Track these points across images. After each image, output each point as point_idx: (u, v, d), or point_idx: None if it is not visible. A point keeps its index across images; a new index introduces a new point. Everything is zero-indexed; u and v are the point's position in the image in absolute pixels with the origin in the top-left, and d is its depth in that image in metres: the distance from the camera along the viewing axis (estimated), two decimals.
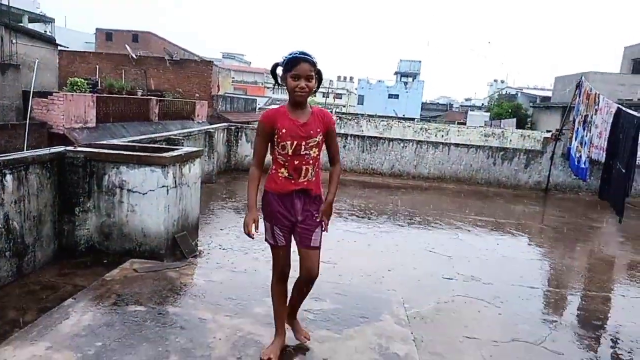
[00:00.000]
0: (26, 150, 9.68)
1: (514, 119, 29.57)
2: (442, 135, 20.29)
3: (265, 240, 2.75)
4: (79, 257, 4.61)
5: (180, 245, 4.98)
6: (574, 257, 6.67)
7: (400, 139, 13.05)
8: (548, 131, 18.37)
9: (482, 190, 11.61)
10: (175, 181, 4.87)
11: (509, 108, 34.23)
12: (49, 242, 4.51)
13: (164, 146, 6.39)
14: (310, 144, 2.55)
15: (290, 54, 2.48)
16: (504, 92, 47.64)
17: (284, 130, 2.52)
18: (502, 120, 30.51)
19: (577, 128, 11.20)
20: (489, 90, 64.02)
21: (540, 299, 4.84)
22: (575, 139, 11.27)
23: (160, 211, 4.69)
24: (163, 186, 4.66)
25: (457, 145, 12.72)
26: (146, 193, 4.66)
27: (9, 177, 3.93)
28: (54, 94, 12.42)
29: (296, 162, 2.55)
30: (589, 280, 5.56)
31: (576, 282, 5.53)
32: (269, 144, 2.62)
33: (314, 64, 2.47)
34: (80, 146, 5.15)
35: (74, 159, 4.58)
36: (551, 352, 3.58)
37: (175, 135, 8.58)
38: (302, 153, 2.54)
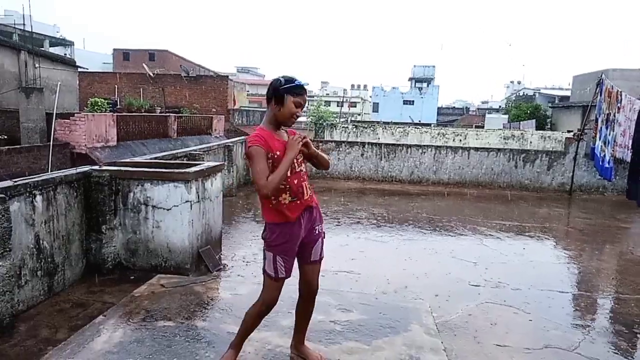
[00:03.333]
0: (50, 171, 9.93)
1: (533, 121, 29.12)
2: (460, 140, 20.13)
3: (264, 270, 2.58)
4: (106, 274, 4.69)
5: (204, 259, 5.02)
6: (603, 260, 6.51)
7: (418, 145, 12.98)
8: (569, 131, 18.06)
9: (504, 194, 11.45)
10: (198, 196, 4.93)
11: (527, 109, 33.74)
12: (78, 260, 4.59)
13: (185, 162, 6.49)
14: (299, 159, 2.56)
15: (297, 81, 2.46)
16: (521, 94, 47.05)
17: (278, 153, 2.43)
18: (521, 122, 30.08)
19: (601, 127, 10.99)
20: (505, 92, 63.34)
21: (571, 304, 4.73)
22: (599, 138, 11.05)
23: (184, 226, 4.75)
24: (187, 201, 4.72)
25: (476, 149, 12.59)
26: (170, 209, 4.73)
27: (38, 198, 4.03)
28: (75, 114, 12.72)
29: (296, 182, 2.50)
30: (621, 283, 5.41)
31: (607, 285, 5.38)
32: None
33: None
34: (105, 165, 5.26)
35: (100, 178, 4.68)
36: (586, 358, 3.48)
37: (195, 150, 8.70)
38: (297, 170, 2.52)
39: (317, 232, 2.64)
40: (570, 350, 3.58)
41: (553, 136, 20.23)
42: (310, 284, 2.69)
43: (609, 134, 10.57)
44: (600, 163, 10.96)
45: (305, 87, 2.52)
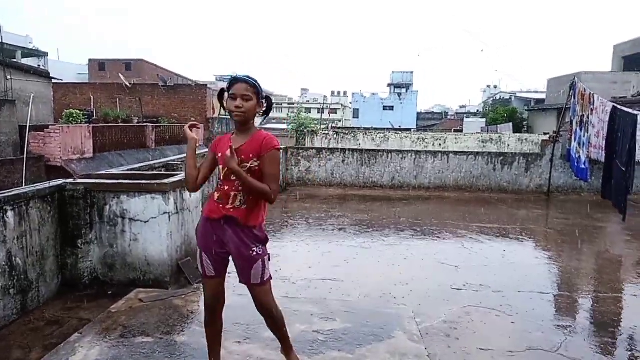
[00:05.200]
0: (25, 185, 9.66)
1: (510, 124, 29.65)
2: (440, 144, 20.34)
3: (196, 268, 2.63)
4: (83, 289, 4.56)
5: (184, 271, 4.93)
6: (582, 259, 6.61)
7: (398, 151, 13.06)
8: (545, 133, 18.42)
9: (484, 197, 11.58)
10: (177, 207, 4.84)
11: (504, 113, 34.36)
12: (53, 276, 4.46)
13: (163, 172, 6.38)
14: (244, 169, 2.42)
15: (230, 77, 2.49)
16: (498, 97, 47.91)
17: (219, 155, 2.48)
18: (498, 126, 30.60)
19: (575, 129, 11.23)
20: (482, 96, 64.38)
21: (551, 304, 4.77)
22: (574, 140, 11.28)
23: (163, 238, 4.65)
24: (165, 213, 4.63)
25: (455, 153, 12.73)
26: (148, 221, 4.63)
27: (10, 214, 3.90)
28: (50, 126, 12.45)
29: (226, 188, 2.47)
30: (599, 282, 5.50)
31: (586, 285, 5.46)
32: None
33: (253, 85, 2.43)
34: (79, 178, 5.13)
35: (74, 191, 4.56)
36: (568, 358, 3.51)
37: (173, 160, 8.57)
38: (231, 179, 2.44)
39: (254, 253, 2.49)
40: (553, 352, 3.60)
41: (530, 139, 20.59)
42: (259, 305, 2.60)
43: (584, 136, 10.80)
44: (576, 164, 11.18)
45: (238, 77, 2.44)
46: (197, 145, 2.61)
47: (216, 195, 2.52)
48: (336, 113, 61.53)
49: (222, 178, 2.50)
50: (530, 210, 10.03)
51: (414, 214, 9.31)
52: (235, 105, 2.40)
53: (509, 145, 20.24)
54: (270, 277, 2.62)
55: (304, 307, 3.95)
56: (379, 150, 13.14)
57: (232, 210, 2.46)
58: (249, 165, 2.42)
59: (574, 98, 11.34)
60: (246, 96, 2.40)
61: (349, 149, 13.04)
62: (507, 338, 3.84)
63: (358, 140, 20.67)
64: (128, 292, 4.26)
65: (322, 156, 12.70)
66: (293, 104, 60.72)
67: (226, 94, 2.49)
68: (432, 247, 6.84)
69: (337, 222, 8.23)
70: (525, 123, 32.60)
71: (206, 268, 2.56)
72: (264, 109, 2.53)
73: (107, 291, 4.54)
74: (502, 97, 46.44)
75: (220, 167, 2.48)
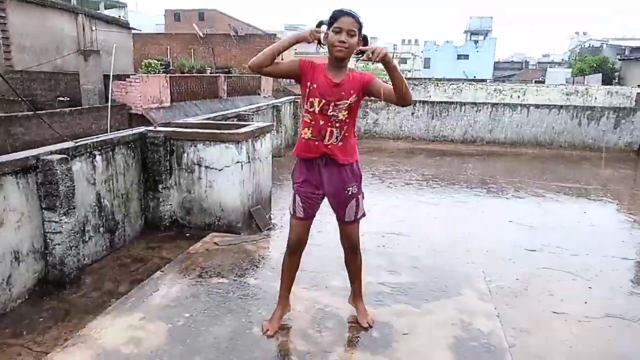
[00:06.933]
0: (109, 131, 10.35)
1: (599, 75, 27.01)
2: (519, 96, 19.05)
3: (289, 208, 2.62)
4: (163, 231, 4.90)
5: (255, 218, 5.12)
6: None
7: (473, 103, 12.42)
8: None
9: (565, 154, 10.84)
10: (249, 156, 4.97)
11: (593, 63, 31.31)
12: (137, 218, 4.81)
13: (235, 123, 6.54)
14: (339, 106, 2.35)
15: (335, 10, 2.31)
16: (587, 45, 43.64)
17: (315, 86, 2.34)
18: (585, 77, 28.02)
19: None
20: (569, 44, 58.91)
21: (635, 272, 4.47)
22: None
23: (235, 186, 4.83)
24: (238, 162, 4.78)
25: (537, 106, 11.89)
26: (222, 169, 4.81)
27: (98, 158, 4.20)
28: (131, 76, 13.07)
29: (321, 123, 2.36)
30: None
31: None
32: (295, 82, 2.46)
33: (358, 21, 2.28)
34: (160, 126, 5.38)
35: (155, 139, 4.81)
36: None
37: (245, 111, 8.76)
38: (329, 114, 2.35)
39: (349, 192, 2.50)
40: (635, 321, 3.40)
41: (621, 91, 18.70)
42: (348, 240, 2.64)
43: None
44: None
45: (345, 10, 2.26)
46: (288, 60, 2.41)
47: (308, 132, 2.40)
48: (406, 63, 59.26)
49: (317, 112, 2.36)
50: (617, 170, 9.27)
51: (487, 170, 8.93)
52: (340, 40, 2.24)
53: (596, 98, 18.53)
54: (364, 214, 2.61)
55: (370, 259, 3.95)
56: (451, 103, 12.58)
57: (330, 147, 2.40)
58: (349, 101, 2.34)
59: None
60: (351, 31, 2.25)
61: (419, 101, 12.59)
62: (584, 303, 3.66)
63: (428, 91, 19.85)
64: (203, 235, 4.50)
65: (390, 108, 12.38)
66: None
67: (323, 27, 2.32)
68: (506, 205, 6.57)
69: (404, 176, 8.11)
70: (616, 74, 29.56)
71: (297, 210, 2.56)
72: (360, 48, 2.34)
73: (185, 233, 4.85)
74: (592, 45, 42.21)
75: (316, 100, 2.34)
